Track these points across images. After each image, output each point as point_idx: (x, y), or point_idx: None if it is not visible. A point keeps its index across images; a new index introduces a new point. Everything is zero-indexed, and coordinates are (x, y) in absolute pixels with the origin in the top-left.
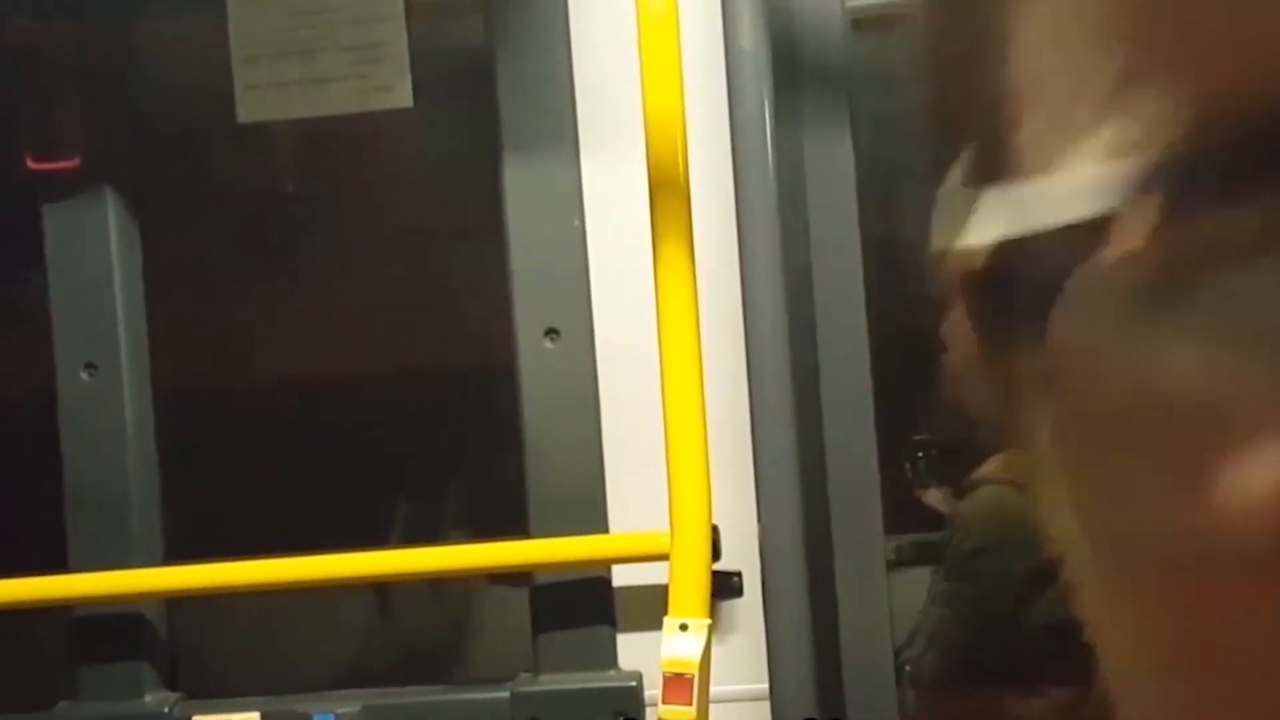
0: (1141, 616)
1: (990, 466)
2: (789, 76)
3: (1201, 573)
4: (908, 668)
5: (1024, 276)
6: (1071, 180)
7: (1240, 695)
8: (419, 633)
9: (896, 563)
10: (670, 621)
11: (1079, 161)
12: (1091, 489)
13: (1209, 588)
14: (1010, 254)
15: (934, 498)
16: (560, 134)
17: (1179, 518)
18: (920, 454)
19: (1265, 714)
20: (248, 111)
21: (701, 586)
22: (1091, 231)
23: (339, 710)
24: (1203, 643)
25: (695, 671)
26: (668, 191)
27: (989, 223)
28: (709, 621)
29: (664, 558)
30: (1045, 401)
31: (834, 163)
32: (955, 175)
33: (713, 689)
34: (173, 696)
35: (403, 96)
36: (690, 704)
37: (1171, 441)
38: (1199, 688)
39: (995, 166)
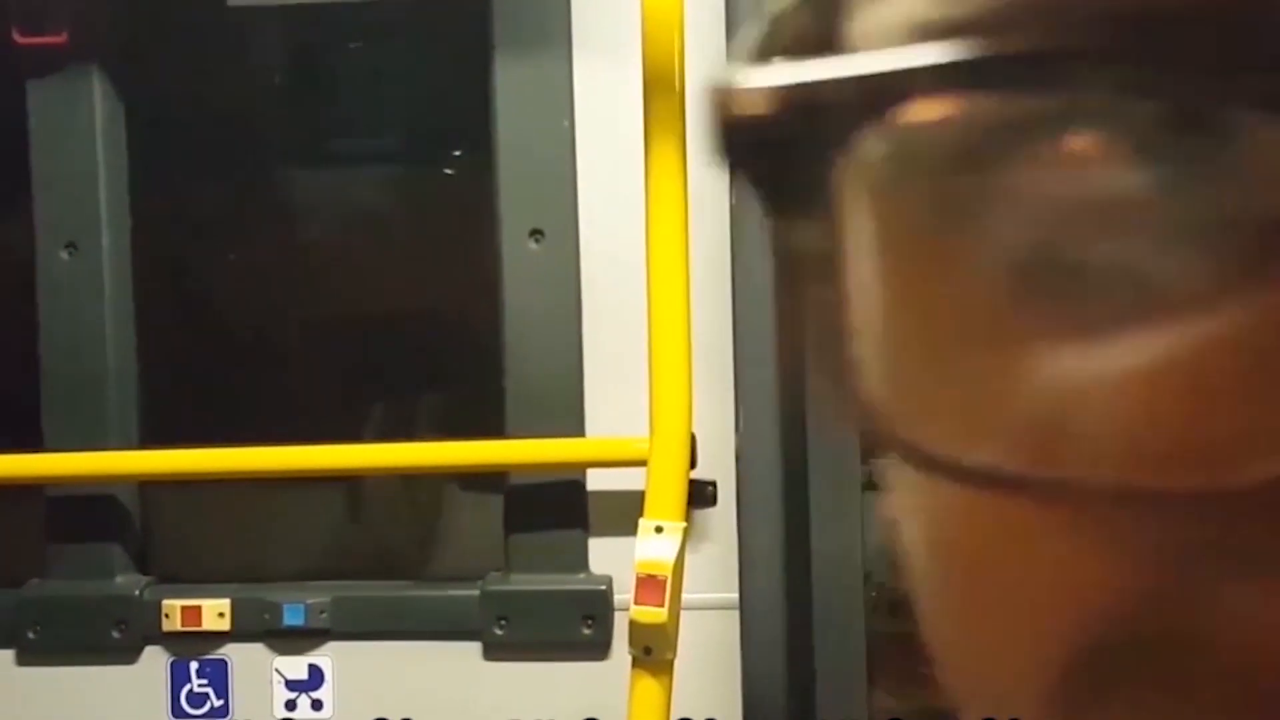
0: None
1: None
2: None
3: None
4: (873, 593)
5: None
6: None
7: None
8: (391, 529)
9: (871, 485)
10: (645, 524)
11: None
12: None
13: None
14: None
15: None
16: (553, 32)
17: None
18: None
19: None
20: None
21: (679, 491)
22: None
23: (309, 601)
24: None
25: (668, 574)
26: (662, 95)
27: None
28: (684, 525)
29: (641, 463)
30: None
31: None
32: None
33: (683, 596)
34: (143, 580)
35: None
36: (662, 605)
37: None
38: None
39: None
